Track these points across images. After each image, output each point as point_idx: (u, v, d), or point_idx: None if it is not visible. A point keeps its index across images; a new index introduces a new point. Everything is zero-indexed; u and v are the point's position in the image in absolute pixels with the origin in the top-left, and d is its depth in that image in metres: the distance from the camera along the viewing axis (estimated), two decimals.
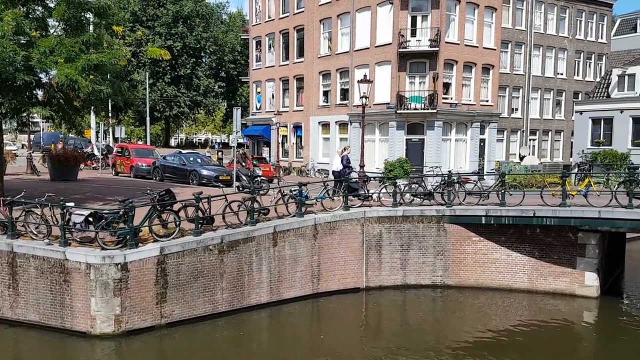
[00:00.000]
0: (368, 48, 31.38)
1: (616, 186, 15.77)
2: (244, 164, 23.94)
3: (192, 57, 61.02)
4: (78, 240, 12.26)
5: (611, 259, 17.54)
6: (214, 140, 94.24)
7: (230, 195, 14.57)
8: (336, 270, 15.63)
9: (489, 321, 14.08)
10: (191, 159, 27.19)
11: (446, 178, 17.52)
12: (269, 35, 40.33)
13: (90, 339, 11.56)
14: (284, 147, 39.43)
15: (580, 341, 13.43)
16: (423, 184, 18.24)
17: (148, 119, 49.64)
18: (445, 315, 14.91)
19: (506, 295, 15.88)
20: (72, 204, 12.60)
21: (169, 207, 12.90)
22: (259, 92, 42.30)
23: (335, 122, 34.42)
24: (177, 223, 12.68)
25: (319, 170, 34.48)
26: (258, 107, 42.64)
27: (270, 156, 39.98)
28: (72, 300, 11.69)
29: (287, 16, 38.06)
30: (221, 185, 18.16)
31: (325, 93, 35.52)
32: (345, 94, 33.78)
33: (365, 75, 22.41)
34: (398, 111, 29.45)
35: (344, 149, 19.96)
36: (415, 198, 17.48)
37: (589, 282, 15.49)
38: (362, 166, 20.61)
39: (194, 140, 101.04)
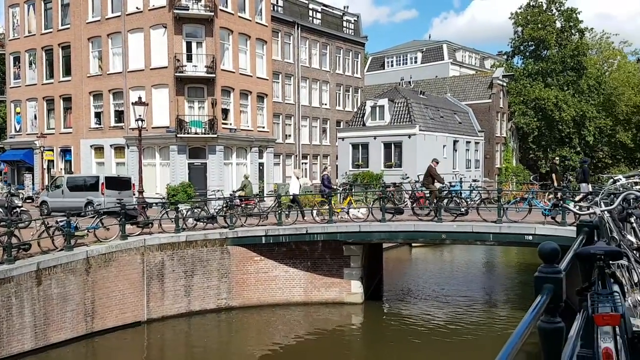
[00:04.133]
0: (143, 70, 30.45)
1: (372, 203, 18.15)
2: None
3: None
4: None
5: (372, 267, 20.00)
6: None
7: None
8: (113, 305, 14.68)
9: (272, 336, 14.82)
10: None
11: (228, 201, 17.97)
12: (29, 51, 36.21)
13: None
14: (50, 173, 35.52)
15: (350, 344, 15.00)
16: (206, 207, 18.40)
17: None
18: (230, 337, 15.19)
19: (286, 310, 16.88)
20: None
21: None
22: (19, 113, 37.48)
23: (110, 145, 32.40)
24: None
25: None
26: (17, 129, 37.70)
27: (33, 184, 35.57)
28: None
29: (51, 32, 34.75)
30: None
31: (98, 115, 33.23)
32: (120, 116, 32.10)
33: (140, 98, 21.71)
34: (179, 135, 29.14)
35: (325, 169, 20.29)
36: (198, 222, 17.52)
37: (355, 289, 17.43)
38: (140, 192, 19.84)
39: None
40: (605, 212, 4.77)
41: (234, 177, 31.58)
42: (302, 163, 42.65)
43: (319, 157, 44.17)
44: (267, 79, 34.31)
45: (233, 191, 21.36)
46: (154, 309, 15.59)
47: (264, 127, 34.20)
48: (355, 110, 42.59)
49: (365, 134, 36.64)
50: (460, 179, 27.50)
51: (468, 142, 41.52)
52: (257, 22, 33.17)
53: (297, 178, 20.17)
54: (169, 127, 29.52)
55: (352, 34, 47.07)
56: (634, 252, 4.91)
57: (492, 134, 45.45)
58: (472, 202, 18.01)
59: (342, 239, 16.95)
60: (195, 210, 17.89)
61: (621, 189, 6.59)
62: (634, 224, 5.47)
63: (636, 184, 8.47)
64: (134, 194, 24.37)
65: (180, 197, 26.03)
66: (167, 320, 15.65)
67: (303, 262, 17.34)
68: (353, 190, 26.40)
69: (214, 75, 29.55)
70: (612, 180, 6.64)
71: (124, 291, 14.91)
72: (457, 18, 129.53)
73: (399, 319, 16.48)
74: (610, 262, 3.26)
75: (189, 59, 29.90)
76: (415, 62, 59.92)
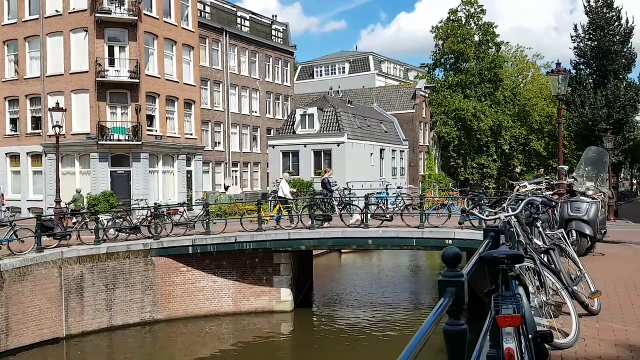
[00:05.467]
0: (63, 75, 29.06)
1: (301, 210, 18.26)
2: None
3: None
4: None
5: (302, 275, 20.09)
6: None
7: None
8: (30, 321, 13.86)
9: (199, 349, 14.52)
10: None
11: (153, 211, 17.47)
12: None
13: None
14: None
15: (280, 353, 14.98)
16: (129, 218, 17.79)
17: None
18: (155, 352, 14.75)
19: (214, 321, 16.61)
20: None
21: None
22: None
23: (27, 153, 30.60)
24: None
25: (8, 208, 29.91)
26: None
27: None
28: None
29: None
30: None
31: (14, 121, 31.33)
32: (37, 122, 30.41)
33: (57, 103, 20.74)
34: (100, 142, 27.97)
35: (325, 172, 19.95)
36: (120, 233, 16.88)
37: (285, 297, 17.43)
38: (58, 202, 18.88)
39: None
40: (512, 217, 5.06)
41: (161, 186, 30.76)
42: (233, 171, 42.19)
43: (249, 165, 43.87)
44: (195, 86, 33.73)
45: (66, 204, 20.75)
46: (74, 324, 14.87)
47: (192, 135, 33.55)
48: (286, 118, 42.71)
49: (296, 142, 36.86)
50: (387, 186, 28.25)
51: (394, 151, 42.77)
52: (183, 28, 32.59)
53: (287, 182, 20.00)
54: (90, 134, 28.33)
55: (282, 42, 47.29)
56: (541, 255, 5.26)
57: (416, 143, 47.09)
58: (397, 209, 18.54)
59: (272, 247, 16.92)
60: (118, 221, 17.24)
61: (530, 195, 7.03)
62: (540, 229, 5.88)
63: (552, 189, 9.11)
64: (3, 204, 23.23)
65: (102, 207, 24.99)
66: (87, 336, 14.97)
67: (232, 271, 17.15)
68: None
69: (138, 80, 28.69)
70: (518, 187, 7.08)
71: (41, 307, 14.12)
72: (384, 30, 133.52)
73: (328, 325, 16.66)
74: (516, 265, 3.47)
75: (112, 63, 28.87)
76: (344, 72, 61.04)
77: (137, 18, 28.57)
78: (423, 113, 48.83)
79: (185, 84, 32.58)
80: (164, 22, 31.03)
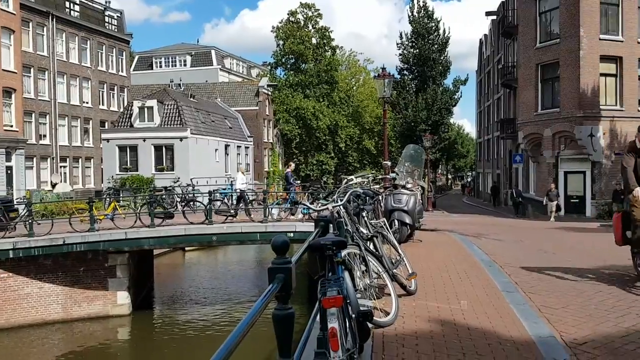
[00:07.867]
0: None
1: (140, 208, 17.46)
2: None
3: None
4: None
5: (141, 275, 19.21)
6: None
7: None
8: None
9: None
10: None
11: None
12: None
13: None
14: None
15: (114, 359, 14.21)
16: None
17: None
18: None
19: (41, 330, 15.22)
20: None
21: None
22: None
23: None
24: None
25: None
26: None
27: None
28: None
29: None
30: None
31: None
32: None
33: None
34: None
35: (288, 166, 20.29)
36: None
37: (121, 300, 16.54)
38: None
39: None
40: (340, 207, 5.48)
41: None
42: (61, 167, 38.56)
43: (80, 160, 40.49)
44: (16, 72, 30.21)
45: None
46: None
47: (12, 126, 30.03)
48: (122, 110, 40.19)
49: (134, 135, 34.90)
50: (232, 182, 28.25)
51: (239, 147, 42.83)
52: (2, 9, 29.02)
53: (242, 174, 18.63)
54: None
55: (116, 30, 44.38)
56: (366, 241, 5.76)
57: (261, 139, 47.71)
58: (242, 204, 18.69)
59: (106, 247, 15.94)
60: None
61: (359, 188, 7.60)
62: (365, 218, 6.46)
63: (378, 183, 9.96)
64: None
65: None
66: None
67: (61, 275, 15.84)
68: (121, 196, 25.02)
69: None
70: (346, 180, 7.66)
71: None
72: (228, 25, 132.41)
73: (169, 327, 16.23)
74: (341, 250, 3.79)
75: None
76: (185, 65, 59.30)
77: None
78: (266, 110, 49.57)
79: (4, 70, 29.10)
80: None
